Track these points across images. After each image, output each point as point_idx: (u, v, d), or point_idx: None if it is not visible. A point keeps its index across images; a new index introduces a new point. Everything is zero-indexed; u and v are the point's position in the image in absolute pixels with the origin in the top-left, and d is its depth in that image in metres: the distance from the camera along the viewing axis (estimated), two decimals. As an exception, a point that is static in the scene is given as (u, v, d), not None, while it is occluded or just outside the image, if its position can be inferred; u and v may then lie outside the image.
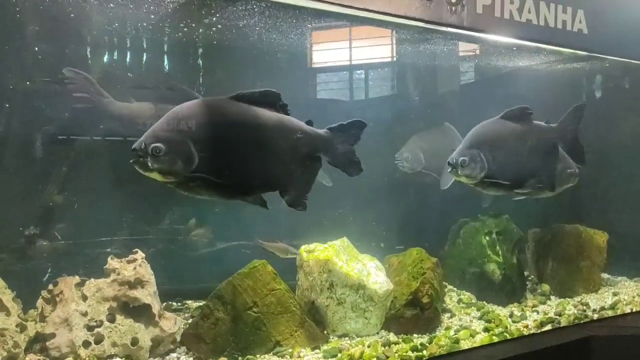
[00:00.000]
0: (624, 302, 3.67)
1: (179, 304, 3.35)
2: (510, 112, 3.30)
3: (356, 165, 2.89)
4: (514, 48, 3.36)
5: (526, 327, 3.25)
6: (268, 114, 2.68)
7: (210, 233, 3.82)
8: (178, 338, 2.77)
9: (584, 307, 3.57)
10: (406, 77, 4.66)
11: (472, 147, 3.20)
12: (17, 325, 2.47)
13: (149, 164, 2.40)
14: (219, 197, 2.71)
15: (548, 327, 3.28)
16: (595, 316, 3.48)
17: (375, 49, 4.46)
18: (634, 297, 3.80)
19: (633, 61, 3.56)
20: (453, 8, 2.77)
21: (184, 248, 3.72)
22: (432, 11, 2.73)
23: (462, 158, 3.16)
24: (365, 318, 3.02)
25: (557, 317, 3.40)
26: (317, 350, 2.80)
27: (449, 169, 3.21)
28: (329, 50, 4.42)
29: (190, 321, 2.89)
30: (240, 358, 2.66)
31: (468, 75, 4.82)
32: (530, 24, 3.04)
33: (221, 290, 2.78)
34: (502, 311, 3.47)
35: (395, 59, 4.44)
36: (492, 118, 3.33)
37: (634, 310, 3.61)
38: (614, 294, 3.84)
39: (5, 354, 2.40)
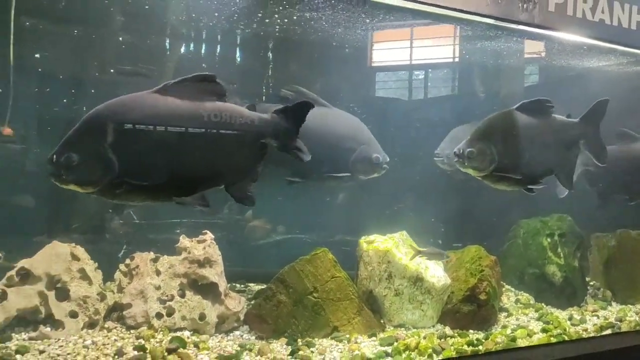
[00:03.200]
0: (690, 313, 3.58)
1: (242, 285, 3.50)
2: (528, 104, 3.16)
3: (302, 150, 2.78)
4: (584, 47, 3.31)
5: (585, 330, 3.22)
6: (198, 104, 2.50)
7: (267, 224, 3.95)
8: (242, 317, 2.90)
9: (647, 315, 3.50)
10: (468, 77, 4.65)
11: (482, 139, 3.08)
12: (98, 294, 2.68)
13: (64, 176, 2.25)
14: (153, 200, 2.54)
15: (608, 332, 3.23)
16: (659, 324, 3.41)
17: (436, 49, 4.48)
18: (700, 308, 3.69)
19: None
20: (525, 5, 2.78)
21: (244, 237, 3.87)
22: (503, 8, 2.75)
23: (469, 149, 3.05)
24: (422, 310, 3.07)
25: (618, 322, 3.35)
26: (373, 338, 2.87)
27: (455, 159, 3.11)
28: (390, 50, 4.46)
29: (253, 302, 3.02)
30: (299, 340, 2.76)
31: (532, 77, 4.77)
32: (603, 23, 3.00)
33: (284, 274, 2.89)
34: (561, 314, 3.44)
35: (456, 59, 4.43)
36: (506, 109, 3.22)
37: None
38: (680, 304, 3.74)
39: (87, 319, 2.60)
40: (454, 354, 2.78)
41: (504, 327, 3.19)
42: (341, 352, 2.67)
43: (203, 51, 3.67)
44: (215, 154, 2.55)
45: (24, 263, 2.58)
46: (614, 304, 3.74)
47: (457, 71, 4.68)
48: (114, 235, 3.30)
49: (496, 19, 2.77)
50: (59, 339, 2.47)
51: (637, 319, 3.44)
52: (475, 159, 3.05)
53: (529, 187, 3.14)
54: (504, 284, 3.75)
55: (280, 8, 3.17)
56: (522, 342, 2.99)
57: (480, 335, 3.03)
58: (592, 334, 3.19)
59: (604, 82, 3.96)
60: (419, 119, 4.37)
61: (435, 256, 3.19)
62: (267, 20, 3.31)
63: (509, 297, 3.65)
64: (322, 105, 3.45)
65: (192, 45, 3.62)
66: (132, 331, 2.65)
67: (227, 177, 2.62)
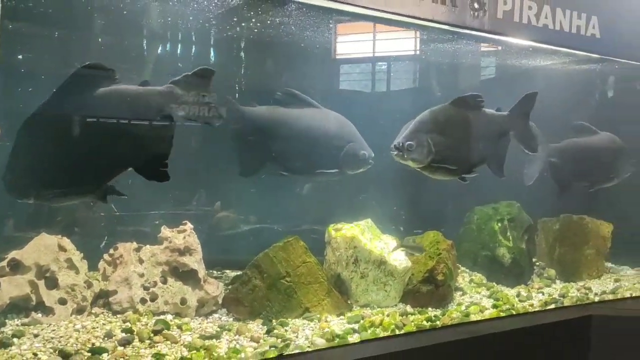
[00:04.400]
0: (625, 288, 3.97)
1: (219, 272, 3.72)
2: (461, 99, 3.36)
3: (216, 114, 2.81)
4: (530, 49, 3.60)
5: (531, 305, 3.56)
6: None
7: (234, 215, 4.15)
8: (220, 301, 3.13)
9: (587, 291, 3.88)
10: (428, 72, 4.89)
11: (419, 132, 3.24)
12: (85, 282, 2.86)
13: None
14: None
15: (552, 307, 3.59)
16: (597, 299, 3.78)
17: (399, 42, 4.69)
18: (634, 283, 4.09)
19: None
20: (476, 13, 3.06)
21: (219, 227, 4.07)
22: (456, 15, 3.01)
23: (408, 142, 3.21)
24: (385, 291, 3.36)
25: (561, 298, 3.71)
26: (342, 317, 3.14)
27: (395, 152, 3.26)
28: (353, 43, 4.65)
29: (230, 287, 3.24)
30: (274, 321, 3.00)
31: (487, 72, 5.07)
32: (546, 28, 3.31)
33: (258, 260, 3.12)
34: (510, 291, 3.78)
35: (418, 52, 4.64)
36: (442, 104, 3.41)
37: (633, 295, 3.90)
38: (616, 281, 4.14)
39: (75, 305, 2.79)
40: (414, 329, 3.07)
41: (459, 304, 3.50)
42: (313, 330, 2.92)
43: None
44: (111, 141, 2.57)
45: (14, 254, 2.75)
46: (557, 282, 4.10)
47: (419, 64, 4.89)
48: (95, 228, 3.46)
49: (450, 25, 3.04)
50: (50, 324, 2.65)
51: (578, 294, 3.81)
52: (414, 151, 3.22)
53: (464, 176, 3.37)
54: (460, 265, 4.07)
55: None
56: (475, 317, 3.31)
57: (438, 312, 3.33)
58: (537, 309, 3.54)
59: (549, 80, 4.30)
60: (382, 111, 4.57)
61: (415, 250, 3.46)
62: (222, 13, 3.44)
63: (464, 277, 3.98)
64: (313, 105, 3.72)
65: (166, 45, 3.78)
66: (118, 316, 2.84)
67: (132, 159, 2.62)
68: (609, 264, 4.49)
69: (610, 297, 3.84)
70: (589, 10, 3.44)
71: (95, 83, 2.55)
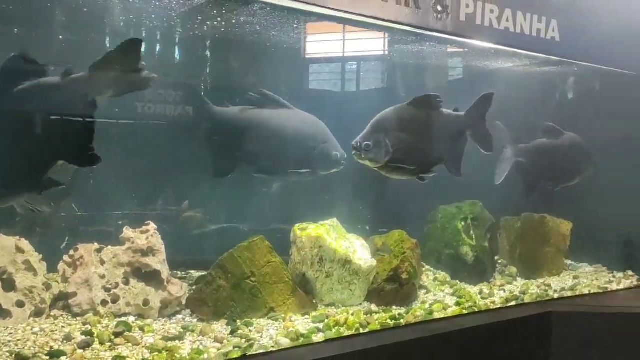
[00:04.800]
0: (583, 285, 4.08)
1: (183, 272, 3.69)
2: (418, 99, 3.38)
3: (145, 80, 2.71)
4: (492, 51, 3.67)
5: (493, 302, 3.63)
6: None
7: (201, 215, 4.13)
8: (184, 301, 3.10)
9: (546, 288, 3.97)
10: (398, 72, 4.94)
11: (377, 132, 3.27)
12: (43, 284, 2.80)
13: None
14: None
15: (512, 304, 3.66)
16: (556, 295, 3.87)
17: (369, 42, 4.72)
18: (592, 280, 4.22)
19: (599, 67, 3.90)
20: (439, 15, 3.10)
21: (184, 227, 4.05)
22: (420, 17, 3.05)
23: (366, 142, 3.23)
24: (350, 290, 3.38)
25: (522, 295, 3.79)
26: (306, 316, 3.15)
27: (353, 152, 3.28)
28: (323, 42, 4.67)
29: (194, 287, 3.22)
30: (238, 321, 3.00)
31: (453, 73, 5.15)
32: (507, 31, 3.37)
33: (223, 260, 3.11)
34: (472, 289, 3.85)
35: (388, 53, 4.67)
36: (400, 105, 3.43)
37: (591, 292, 4.01)
38: (575, 278, 4.26)
39: (33, 308, 2.73)
40: (378, 327, 3.10)
41: (423, 302, 3.55)
42: (277, 330, 2.92)
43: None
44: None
45: (-31, 257, 2.68)
46: (519, 279, 4.19)
47: (389, 65, 4.91)
48: (55, 228, 3.40)
49: (414, 27, 3.08)
50: (7, 327, 2.59)
51: (539, 291, 3.90)
52: (372, 151, 3.24)
53: (422, 176, 3.41)
54: (424, 264, 4.12)
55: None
56: (438, 315, 3.36)
57: (402, 310, 3.36)
58: (498, 306, 3.61)
59: (513, 81, 4.39)
60: (352, 110, 4.59)
61: (385, 251, 3.52)
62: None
63: (428, 276, 4.04)
64: (285, 106, 3.74)
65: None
66: (78, 318, 2.80)
67: None
68: (569, 262, 4.61)
69: (569, 293, 3.94)
70: (549, 14, 3.52)
71: (19, 77, 2.47)
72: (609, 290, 4.12)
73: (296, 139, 3.73)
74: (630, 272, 4.41)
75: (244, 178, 3.80)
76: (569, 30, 3.62)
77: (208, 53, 3.92)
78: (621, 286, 4.20)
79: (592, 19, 3.74)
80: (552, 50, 3.61)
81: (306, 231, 3.43)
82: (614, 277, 4.36)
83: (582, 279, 4.22)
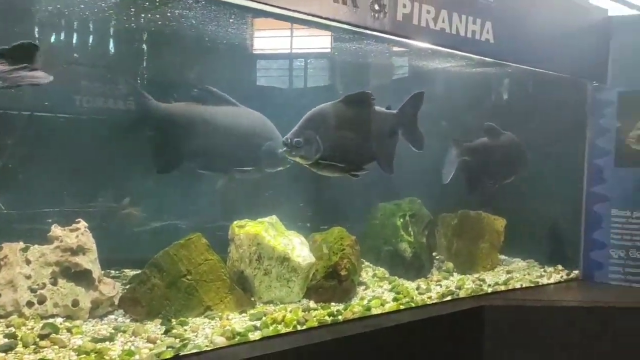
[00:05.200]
0: (515, 279, 4.23)
1: (117, 272, 3.58)
2: (351, 96, 3.38)
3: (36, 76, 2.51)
4: (429, 51, 3.73)
5: (430, 297, 3.71)
6: None
7: (140, 211, 4.04)
8: (116, 301, 3.02)
9: (481, 282, 4.09)
10: (340, 69, 4.96)
11: (308, 129, 3.24)
12: (-37, 286, 2.66)
13: None
14: None
15: (448, 298, 3.75)
16: (490, 290, 3.99)
17: (315, 39, 4.72)
18: (524, 275, 4.37)
19: (531, 68, 4.04)
20: (376, 15, 3.13)
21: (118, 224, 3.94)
22: (357, 16, 3.06)
23: (296, 139, 3.20)
24: (289, 287, 3.37)
25: (457, 290, 3.89)
26: (244, 314, 3.13)
27: (283, 149, 3.26)
28: (267, 39, 4.64)
29: (127, 287, 3.13)
30: (173, 320, 2.94)
31: (398, 71, 5.21)
32: (443, 32, 3.44)
33: (158, 259, 3.04)
34: (410, 285, 3.92)
35: (333, 50, 4.68)
36: (331, 102, 3.41)
37: (523, 286, 4.16)
38: (508, 272, 4.41)
39: (-49, 311, 2.59)
40: (316, 324, 3.11)
41: (362, 298, 3.58)
42: (213, 328, 2.88)
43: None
44: None
45: None
46: (455, 274, 4.30)
47: (334, 62, 4.92)
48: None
49: (352, 25, 3.09)
50: None
51: (473, 286, 4.01)
52: (302, 148, 3.21)
53: (354, 173, 3.41)
54: (364, 260, 4.17)
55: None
56: (376, 311, 3.40)
57: (341, 306, 3.39)
58: (435, 301, 3.68)
59: (451, 81, 4.49)
60: (298, 107, 4.58)
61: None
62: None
63: (368, 272, 4.08)
64: (231, 103, 3.69)
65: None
66: (0, 320, 2.67)
67: None
68: (503, 257, 4.76)
69: (503, 288, 4.07)
70: (484, 16, 3.60)
71: None
72: (540, 284, 4.28)
73: (241, 136, 3.70)
74: (560, 267, 4.58)
75: (188, 175, 3.75)
76: (503, 32, 3.71)
77: (145, 47, 3.83)
78: (552, 280, 4.37)
79: (526, 22, 3.86)
80: (486, 51, 3.70)
81: (244, 228, 3.41)
82: (545, 271, 4.53)
83: (515, 274, 4.37)
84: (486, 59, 3.87)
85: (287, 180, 4.26)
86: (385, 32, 3.24)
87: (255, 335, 2.87)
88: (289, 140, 3.23)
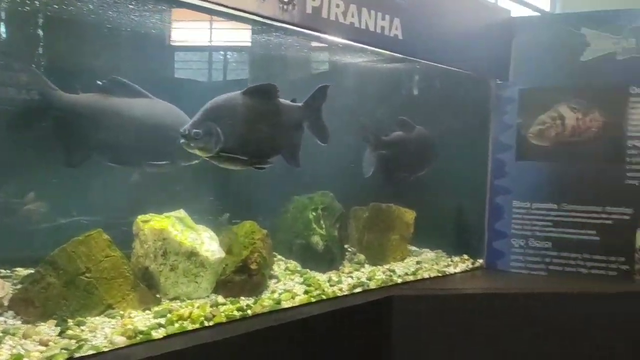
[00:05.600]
0: (424, 269, 4.36)
1: (7, 271, 3.36)
2: (254, 88, 3.32)
3: None
4: (340, 45, 3.74)
5: (340, 289, 3.75)
6: None
7: (43, 206, 3.82)
8: (6, 303, 2.82)
9: (391, 273, 4.18)
10: (258, 63, 4.89)
11: (208, 119, 3.15)
12: None
13: None
14: None
15: (359, 290, 3.81)
16: (399, 280, 4.09)
17: (235, 32, 4.63)
18: (432, 265, 4.52)
19: (439, 65, 4.16)
20: (285, 7, 3.10)
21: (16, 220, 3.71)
22: (265, 7, 3.02)
23: (195, 130, 3.10)
24: (196, 282, 3.30)
25: (368, 281, 3.95)
26: (148, 312, 3.02)
27: (181, 140, 3.15)
28: (189, 29, 4.49)
29: (19, 287, 2.94)
30: (70, 320, 2.79)
31: (312, 65, 5.21)
32: (353, 26, 3.47)
33: (54, 256, 2.87)
34: (321, 277, 3.95)
35: (250, 43, 4.61)
36: (233, 92, 3.34)
37: (431, 276, 4.30)
38: (417, 263, 4.54)
39: None
40: (224, 320, 3.06)
41: (273, 292, 3.56)
42: (113, 327, 2.76)
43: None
44: None
45: None
46: (366, 266, 4.38)
47: (253, 55, 4.84)
48: None
49: (260, 16, 3.04)
50: None
51: (384, 277, 4.09)
52: (202, 139, 3.11)
53: (258, 166, 3.37)
54: (277, 254, 4.15)
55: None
56: (286, 304, 3.39)
57: (251, 301, 3.35)
58: (346, 292, 3.73)
59: (360, 76, 4.55)
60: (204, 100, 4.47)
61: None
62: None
63: (280, 265, 4.07)
64: (143, 95, 3.55)
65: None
66: None
67: None
68: (413, 248, 4.90)
69: (412, 278, 4.19)
70: (392, 12, 3.67)
71: None
72: (447, 273, 4.44)
73: (154, 129, 3.58)
74: (465, 256, 4.77)
75: (97, 169, 3.58)
76: (411, 29, 3.80)
77: (41, 33, 3.60)
78: (458, 269, 4.55)
79: (434, 20, 3.97)
80: (395, 47, 3.77)
81: (149, 223, 3.29)
82: (451, 261, 4.71)
83: (423, 264, 4.51)
84: (396, 54, 3.94)
85: (200, 174, 4.17)
86: (295, 24, 3.23)
87: (159, 334, 2.78)
88: (187, 132, 3.11)
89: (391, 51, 3.82)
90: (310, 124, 3.60)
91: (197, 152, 3.19)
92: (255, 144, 3.34)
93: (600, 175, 4.31)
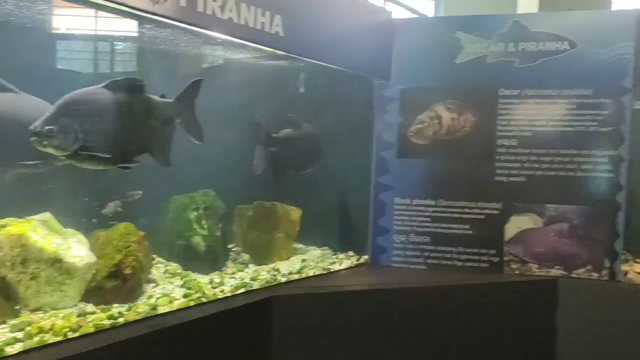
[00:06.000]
0: (309, 267, 4.38)
1: None
2: (116, 81, 3.14)
3: None
4: (219, 41, 3.63)
5: (222, 291, 3.66)
6: None
7: None
8: None
9: (276, 273, 4.15)
10: (140, 56, 4.66)
11: (63, 115, 2.92)
12: None
13: None
14: None
15: (242, 290, 3.74)
16: (284, 279, 4.07)
17: (106, 22, 4.36)
18: (318, 263, 4.55)
19: (322, 63, 4.18)
20: (156, -2, 2.95)
21: None
22: (136, -1, 2.86)
23: (48, 127, 2.85)
24: (62, 291, 3.07)
25: (252, 282, 3.89)
26: (3, 325, 2.76)
27: (33, 138, 2.88)
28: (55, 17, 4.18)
29: None
30: None
31: (189, 60, 5.03)
32: (231, 21, 3.37)
33: None
34: (203, 279, 3.83)
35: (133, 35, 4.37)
36: (93, 86, 3.15)
37: (315, 274, 4.32)
38: (303, 261, 4.55)
39: None
40: (92, 330, 2.87)
41: (150, 297, 3.40)
42: (-40, 345, 2.50)
43: None
44: None
45: None
46: (251, 266, 4.32)
47: (133, 48, 4.60)
48: None
49: (130, 7, 2.86)
50: None
51: (268, 277, 4.05)
52: (57, 137, 2.87)
53: (122, 165, 3.19)
54: (156, 256, 3.98)
55: None
56: (163, 309, 3.25)
57: (124, 307, 3.17)
58: (228, 294, 3.64)
59: (245, 72, 4.47)
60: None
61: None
62: None
63: (159, 268, 3.91)
64: (9, 90, 3.21)
65: None
66: None
67: None
68: (300, 246, 4.91)
69: (297, 276, 4.18)
70: (273, 8, 3.61)
71: None
72: (332, 270, 4.49)
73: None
74: (351, 253, 4.86)
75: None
76: (292, 26, 3.77)
77: None
78: (343, 266, 4.61)
79: (316, 19, 3.97)
80: (276, 44, 3.72)
81: (5, 229, 3.01)
82: (337, 258, 4.77)
83: (309, 262, 4.53)
84: (278, 52, 3.90)
85: (74, 173, 3.89)
86: (169, 17, 3.08)
87: (14, 349, 2.55)
88: (39, 129, 2.84)
89: (272, 48, 3.77)
90: (183, 121, 3.46)
91: (51, 150, 2.92)
92: (118, 142, 3.12)
93: (473, 172, 4.56)
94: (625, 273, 4.41)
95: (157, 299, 3.35)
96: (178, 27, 3.36)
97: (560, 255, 4.44)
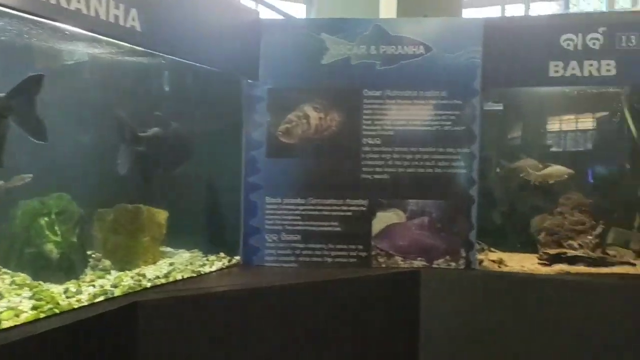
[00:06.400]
0: (177, 271, 4.24)
1: None
2: None
3: None
4: (66, 33, 3.40)
5: (79, 300, 3.42)
6: None
7: None
8: None
9: (141, 278, 3.97)
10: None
11: None
12: None
13: None
14: None
15: (101, 299, 3.53)
16: (150, 285, 3.90)
17: None
18: (187, 265, 4.42)
19: (185, 61, 4.08)
20: (-14, -18, 2.70)
21: None
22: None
23: None
24: None
25: (113, 289, 3.69)
26: None
27: None
28: None
29: None
30: None
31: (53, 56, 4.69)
32: (80, 12, 3.17)
33: None
34: (57, 289, 3.57)
35: None
36: None
37: (185, 277, 4.20)
38: (170, 264, 4.40)
39: None
40: None
41: (-8, 311, 3.10)
42: None
43: None
44: None
45: None
46: (113, 272, 4.09)
47: None
48: None
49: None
50: None
51: (132, 282, 3.86)
52: None
53: None
54: (1, 267, 3.65)
55: None
56: (8, 324, 2.97)
57: (-41, 326, 2.87)
58: (85, 303, 3.42)
59: (104, 68, 4.23)
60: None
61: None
62: None
63: (4, 280, 3.57)
64: None
65: None
66: None
67: None
68: (169, 249, 4.75)
69: (164, 281, 4.04)
70: (127, 1, 3.46)
71: None
72: (202, 273, 4.38)
73: None
74: (222, 254, 4.78)
75: None
76: (150, 20, 3.63)
77: None
78: (214, 268, 4.53)
79: (177, 14, 3.86)
80: (133, 39, 3.56)
81: None
82: (207, 260, 4.67)
83: (177, 265, 4.39)
84: (138, 48, 3.73)
85: None
86: (6, 5, 2.83)
87: None
88: None
89: (128, 43, 3.61)
90: (19, 117, 3.20)
91: None
92: None
93: (341, 170, 4.68)
94: (481, 261, 4.76)
95: (0, 313, 3.06)
96: (18, 16, 3.10)
97: (422, 248, 4.69)
